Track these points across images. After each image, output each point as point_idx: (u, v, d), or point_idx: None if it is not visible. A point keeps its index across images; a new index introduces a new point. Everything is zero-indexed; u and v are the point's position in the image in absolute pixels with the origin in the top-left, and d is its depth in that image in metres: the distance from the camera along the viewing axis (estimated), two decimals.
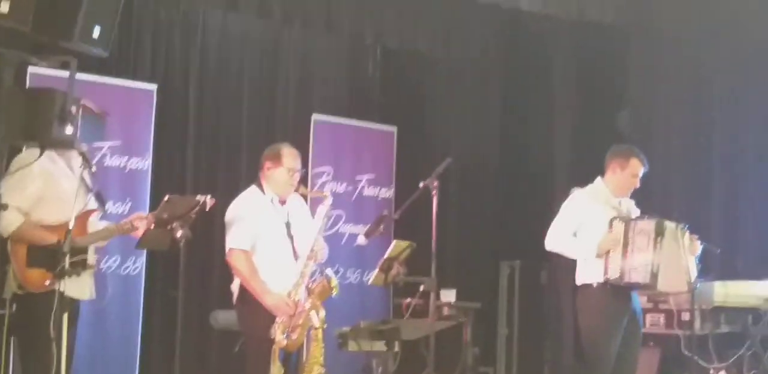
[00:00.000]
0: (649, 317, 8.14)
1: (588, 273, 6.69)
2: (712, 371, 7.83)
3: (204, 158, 9.31)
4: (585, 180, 7.30)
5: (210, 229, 7.22)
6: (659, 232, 6.58)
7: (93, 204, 5.59)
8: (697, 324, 7.70)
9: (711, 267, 7.63)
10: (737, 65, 9.09)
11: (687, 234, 6.69)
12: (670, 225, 6.63)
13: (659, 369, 8.39)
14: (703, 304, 7.68)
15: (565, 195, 7.29)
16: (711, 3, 8.99)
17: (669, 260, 6.57)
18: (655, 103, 9.68)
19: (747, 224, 8.96)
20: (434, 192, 6.16)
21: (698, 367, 7.70)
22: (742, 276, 7.94)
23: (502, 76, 10.81)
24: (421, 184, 6.23)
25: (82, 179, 5.51)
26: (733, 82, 9.13)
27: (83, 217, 5.41)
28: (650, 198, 9.03)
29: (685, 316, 7.80)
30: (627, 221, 6.61)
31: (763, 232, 8.75)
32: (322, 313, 5.72)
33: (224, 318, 7.34)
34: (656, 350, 8.39)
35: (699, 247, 6.77)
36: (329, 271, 5.86)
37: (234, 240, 5.96)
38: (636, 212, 6.88)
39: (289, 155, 6.12)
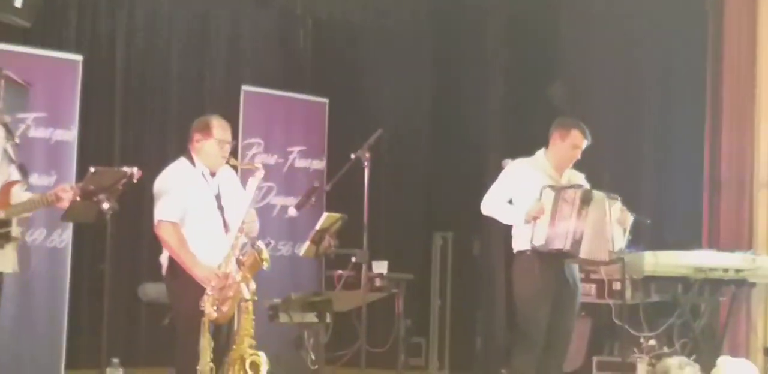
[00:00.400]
0: None
1: (521, 240, 6.75)
2: (642, 340, 7.93)
3: (132, 130, 9.23)
4: (517, 151, 7.33)
5: (138, 202, 7.15)
6: (585, 201, 6.63)
7: (16, 175, 5.50)
8: (628, 293, 7.78)
9: (641, 238, 7.72)
10: (668, 38, 9.17)
11: (618, 204, 6.75)
12: (598, 194, 6.68)
13: (590, 339, 8.48)
14: (634, 274, 7.77)
15: (498, 166, 7.33)
16: None
17: (593, 229, 6.63)
18: (588, 74, 9.75)
19: (677, 195, 9.08)
20: (366, 163, 6.16)
21: (629, 336, 7.81)
22: (672, 247, 8.04)
23: (434, 47, 10.83)
24: (352, 156, 6.21)
25: (5, 151, 5.42)
26: (664, 54, 9.21)
27: (6, 189, 5.33)
28: (581, 169, 9.14)
29: (617, 286, 7.87)
30: (557, 190, 6.67)
31: (693, 203, 8.86)
32: (253, 285, 5.68)
33: (153, 290, 7.30)
34: (587, 320, 8.49)
35: (630, 219, 6.83)
36: (260, 243, 5.83)
37: (162, 212, 5.91)
38: (585, 185, 6.94)
39: (219, 127, 6.07)
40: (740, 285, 8.14)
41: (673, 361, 4.87)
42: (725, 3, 8.85)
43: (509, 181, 6.80)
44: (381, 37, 10.60)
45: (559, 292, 6.75)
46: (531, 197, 6.68)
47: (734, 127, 8.77)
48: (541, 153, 6.88)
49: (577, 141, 6.78)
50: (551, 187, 6.69)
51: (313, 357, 6.36)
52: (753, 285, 8.23)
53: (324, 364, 6.22)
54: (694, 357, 7.86)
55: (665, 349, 7.90)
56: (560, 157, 6.82)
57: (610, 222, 6.72)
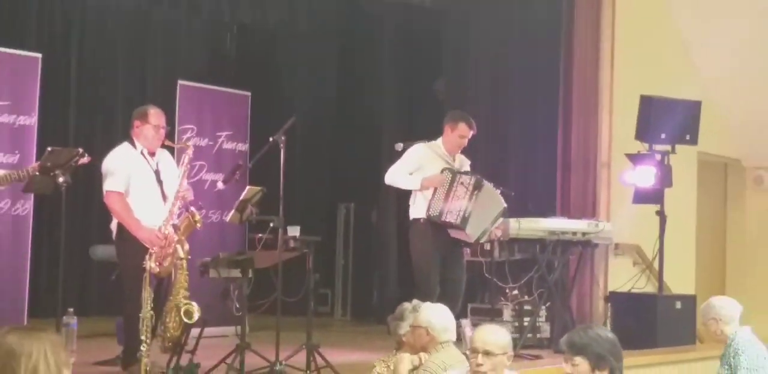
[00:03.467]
0: None
1: (417, 210, 6.84)
2: (507, 290, 8.03)
3: (84, 117, 9.13)
4: (407, 135, 7.42)
5: (90, 178, 7.06)
6: (477, 187, 6.75)
7: None
8: (497, 252, 7.86)
9: (508, 207, 7.82)
10: (529, 47, 9.22)
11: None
12: (488, 184, 6.81)
13: (466, 289, 8.57)
14: (501, 237, 7.84)
15: (391, 148, 7.39)
16: None
17: (478, 212, 6.75)
18: (465, 72, 9.79)
19: (536, 173, 9.19)
20: (282, 145, 6.13)
21: (497, 287, 7.90)
22: (532, 214, 8.14)
23: (339, 49, 10.85)
24: (270, 139, 6.20)
25: None
26: (526, 60, 9.27)
27: None
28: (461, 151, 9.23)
29: (487, 246, 7.95)
30: (455, 173, 6.78)
31: (548, 179, 8.97)
32: (186, 247, 5.67)
33: (102, 251, 7.20)
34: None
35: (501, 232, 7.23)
36: (193, 209, 5.82)
37: (110, 184, 5.87)
38: (467, 168, 7.02)
39: (155, 114, 6.03)
40: (585, 245, 8.23)
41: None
42: (575, 21, 8.94)
43: (412, 160, 6.87)
44: (295, 40, 10.60)
45: (448, 252, 6.86)
46: (429, 173, 6.79)
47: (581, 119, 8.88)
48: (438, 140, 6.99)
49: (464, 132, 6.90)
50: (450, 169, 6.80)
51: (237, 306, 6.34)
52: (596, 245, 8.33)
53: (246, 312, 6.20)
54: (548, 304, 8.02)
55: (526, 298, 8.03)
56: (451, 144, 6.93)
57: (492, 212, 6.86)
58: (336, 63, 10.88)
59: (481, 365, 3.99)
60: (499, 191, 7.09)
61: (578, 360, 3.49)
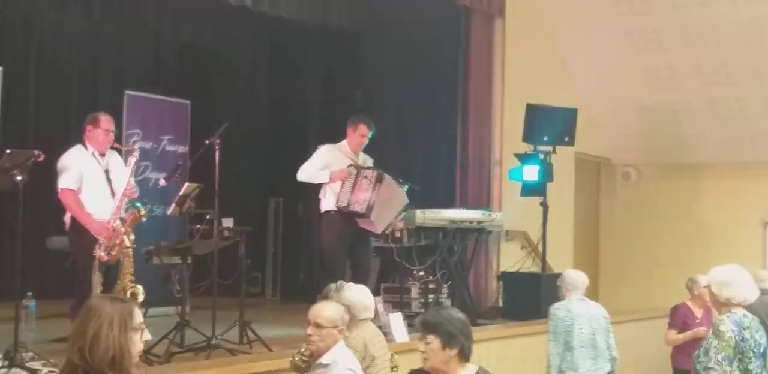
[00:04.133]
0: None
1: (328, 203, 6.87)
2: (415, 271, 8.11)
3: (42, 123, 8.98)
4: (329, 138, 7.43)
5: (47, 176, 6.93)
6: (379, 180, 6.80)
7: None
8: (405, 239, 7.95)
9: (414, 200, 7.91)
10: (431, 64, 9.36)
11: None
12: (387, 177, 6.86)
13: (380, 271, 8.66)
14: (409, 225, 7.91)
15: (315, 148, 7.41)
16: (410, 15, 9.20)
17: (381, 202, 6.81)
18: (380, 85, 9.89)
19: (438, 170, 9.33)
20: (216, 147, 6.12)
21: (406, 269, 7.98)
22: (435, 206, 8.24)
23: (270, 63, 10.82)
24: (207, 142, 6.18)
25: None
26: (430, 73, 9.40)
27: None
28: (376, 151, 9.31)
29: (397, 233, 8.02)
30: (359, 168, 6.82)
31: (449, 176, 9.10)
32: (132, 236, 5.62)
33: (57, 241, 7.12)
34: (377, 259, 8.64)
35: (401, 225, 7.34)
36: (138, 204, 5.77)
37: (64, 182, 5.82)
38: (370, 163, 7.06)
39: (105, 120, 5.98)
40: (481, 232, 8.33)
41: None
42: (471, 41, 9.06)
43: (320, 159, 6.92)
44: (230, 55, 10.56)
45: (357, 241, 6.90)
46: (337, 168, 6.83)
47: (477, 124, 9.02)
48: (344, 141, 7.02)
49: (363, 131, 6.95)
50: (355, 165, 6.83)
51: (178, 289, 6.31)
52: (489, 232, 8.45)
53: (186, 293, 6.18)
54: (449, 283, 8.12)
55: (430, 278, 8.11)
56: (354, 143, 6.97)
57: (396, 206, 6.92)
58: (267, 76, 10.86)
59: (311, 335, 4.07)
60: (407, 186, 7.16)
61: (430, 338, 3.32)
